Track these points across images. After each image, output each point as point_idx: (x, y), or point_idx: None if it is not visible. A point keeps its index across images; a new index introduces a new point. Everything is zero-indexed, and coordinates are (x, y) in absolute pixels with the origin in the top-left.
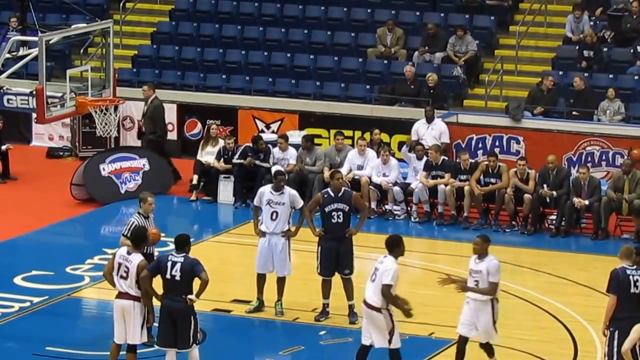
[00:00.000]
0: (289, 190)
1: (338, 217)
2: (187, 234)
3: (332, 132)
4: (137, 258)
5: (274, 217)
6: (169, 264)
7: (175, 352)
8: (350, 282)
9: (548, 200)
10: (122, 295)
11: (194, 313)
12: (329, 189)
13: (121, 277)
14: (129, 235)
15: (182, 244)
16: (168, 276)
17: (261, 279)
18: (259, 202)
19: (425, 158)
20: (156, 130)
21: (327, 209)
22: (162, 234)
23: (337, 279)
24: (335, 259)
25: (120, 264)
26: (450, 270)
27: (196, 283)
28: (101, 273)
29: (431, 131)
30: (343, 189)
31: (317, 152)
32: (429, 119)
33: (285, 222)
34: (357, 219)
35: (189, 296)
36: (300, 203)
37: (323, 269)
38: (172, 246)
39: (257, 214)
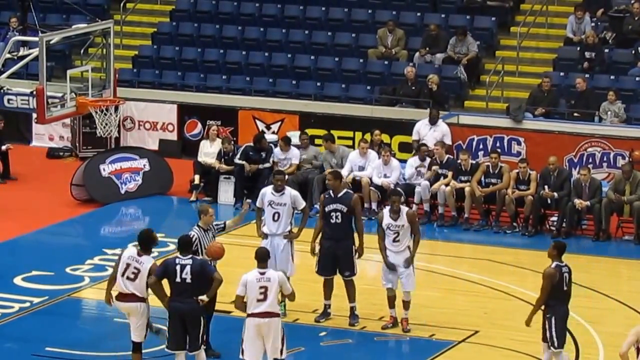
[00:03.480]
0: (290, 191)
1: (336, 217)
2: (189, 235)
3: (333, 132)
4: (148, 260)
5: (275, 218)
6: (178, 267)
7: (185, 354)
8: (351, 283)
9: (549, 201)
10: (126, 297)
11: (204, 314)
12: (330, 190)
13: (127, 278)
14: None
15: (187, 245)
16: (178, 279)
17: None
18: (261, 203)
19: (428, 159)
20: None
21: (326, 209)
22: (161, 235)
23: (339, 281)
24: (333, 259)
25: (128, 265)
26: (451, 271)
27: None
28: (101, 274)
29: (433, 132)
30: (345, 190)
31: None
32: (433, 121)
33: (287, 224)
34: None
35: (200, 297)
36: (302, 204)
37: (320, 268)
38: (172, 246)
39: (260, 216)
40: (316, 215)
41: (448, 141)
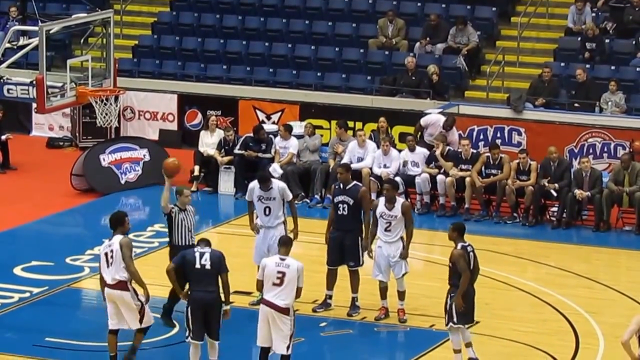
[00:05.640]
0: (277, 184)
1: (343, 209)
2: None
3: (333, 122)
4: (116, 238)
5: (267, 212)
6: (197, 254)
7: (200, 345)
8: (356, 274)
9: (552, 191)
10: (112, 285)
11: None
12: (340, 182)
13: (111, 264)
14: None
15: (207, 240)
16: (198, 266)
17: None
18: (251, 197)
19: (417, 149)
20: None
21: (335, 200)
22: (160, 225)
23: (344, 272)
24: (340, 250)
25: (106, 254)
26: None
27: None
28: None
29: None
30: (353, 182)
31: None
32: (448, 127)
33: (279, 215)
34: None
35: (224, 307)
36: (289, 195)
37: (328, 258)
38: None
39: (252, 210)
40: (316, 205)
41: (454, 149)
